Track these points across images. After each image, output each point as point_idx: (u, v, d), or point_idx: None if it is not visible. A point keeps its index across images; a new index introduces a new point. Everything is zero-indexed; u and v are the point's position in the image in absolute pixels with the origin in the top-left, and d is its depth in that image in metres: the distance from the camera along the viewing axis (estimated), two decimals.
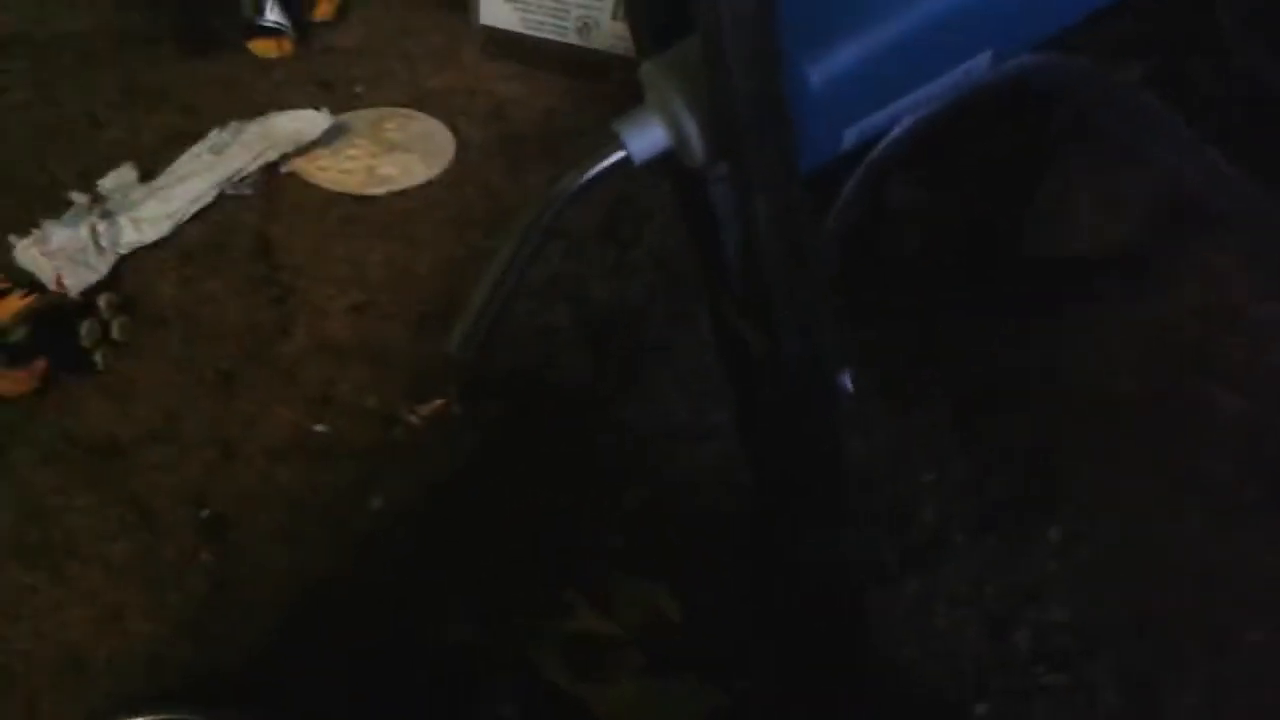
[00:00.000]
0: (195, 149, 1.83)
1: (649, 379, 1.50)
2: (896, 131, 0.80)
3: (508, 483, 1.39)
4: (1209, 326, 1.56)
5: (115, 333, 1.57)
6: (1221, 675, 1.18)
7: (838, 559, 1.14)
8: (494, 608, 1.23)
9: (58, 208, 1.73)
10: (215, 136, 1.84)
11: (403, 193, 1.78)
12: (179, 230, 1.73)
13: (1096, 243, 1.68)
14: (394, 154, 1.84)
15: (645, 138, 0.74)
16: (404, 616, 1.25)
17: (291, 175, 1.82)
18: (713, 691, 1.17)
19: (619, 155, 0.74)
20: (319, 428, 1.46)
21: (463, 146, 1.86)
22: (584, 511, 1.36)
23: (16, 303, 1.55)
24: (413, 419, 1.45)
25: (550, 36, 1.96)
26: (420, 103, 1.96)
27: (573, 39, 1.95)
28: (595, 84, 1.92)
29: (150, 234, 1.71)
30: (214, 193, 1.77)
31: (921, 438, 1.42)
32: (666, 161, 0.78)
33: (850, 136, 0.77)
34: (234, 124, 1.85)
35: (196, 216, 1.76)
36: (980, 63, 0.76)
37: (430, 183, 1.79)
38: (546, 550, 1.32)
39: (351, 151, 1.85)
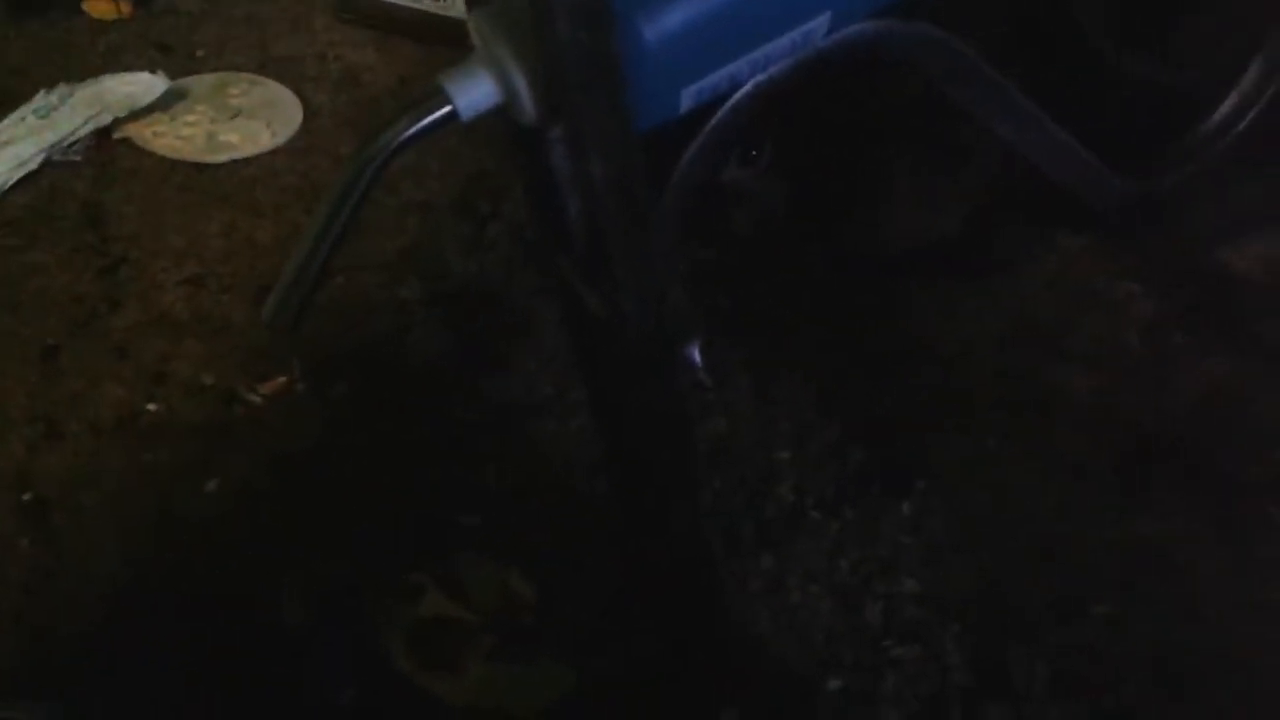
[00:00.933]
0: (20, 112, 1.71)
1: (510, 355, 1.46)
2: (738, 96, 0.78)
3: (355, 462, 1.33)
4: (1064, 305, 1.59)
5: None
6: (1069, 646, 1.20)
7: (691, 532, 1.12)
8: (335, 591, 1.18)
9: None
10: (42, 99, 1.73)
11: (245, 161, 1.70)
12: (1, 198, 1.62)
13: (950, 221, 1.70)
14: (237, 120, 1.75)
15: (473, 92, 0.70)
16: (237, 601, 1.18)
17: (125, 142, 1.72)
18: (567, 673, 1.14)
19: (444, 110, 0.70)
20: (151, 406, 1.38)
21: (311, 114, 1.78)
22: (437, 491, 1.31)
23: None
24: (253, 397, 1.38)
25: (405, 2, 1.90)
26: (267, 68, 1.87)
27: (428, 5, 1.89)
28: (451, 51, 1.86)
29: None
30: (40, 158, 1.67)
31: (781, 414, 1.41)
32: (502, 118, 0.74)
33: (688, 97, 0.74)
34: (63, 87, 1.75)
35: (20, 184, 1.65)
36: (818, 26, 0.74)
37: (275, 151, 1.71)
38: (396, 532, 1.26)
39: (190, 118, 1.76)
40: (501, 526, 1.26)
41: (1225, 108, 1.19)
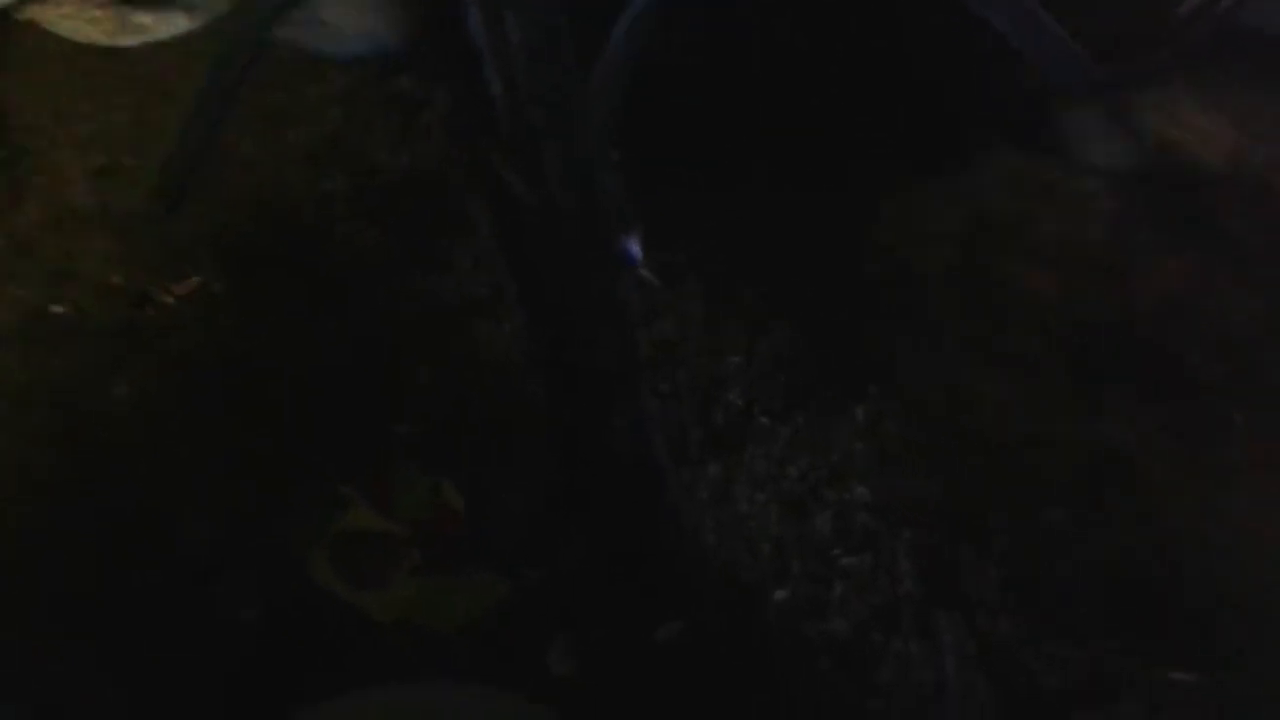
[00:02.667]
0: None
1: (443, 253, 1.37)
2: None
3: (276, 369, 1.25)
4: (1024, 201, 1.53)
5: None
6: (1020, 551, 1.16)
7: (633, 437, 1.06)
8: (248, 503, 1.11)
9: None
10: None
11: (159, 45, 1.58)
12: None
13: (915, 115, 1.63)
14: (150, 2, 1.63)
15: None
16: (145, 511, 1.11)
17: (28, 24, 1.59)
18: (499, 583, 1.09)
19: None
20: (56, 308, 1.29)
21: None
22: (366, 398, 1.24)
23: None
24: (166, 297, 1.29)
25: None
26: None
27: None
28: None
29: None
30: None
31: (733, 317, 1.34)
32: None
33: None
34: None
35: None
36: None
37: (192, 34, 1.59)
38: (320, 441, 1.19)
39: None
40: (434, 434, 1.19)
41: None
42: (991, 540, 1.16)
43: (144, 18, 1.61)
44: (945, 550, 1.15)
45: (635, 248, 0.84)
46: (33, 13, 1.61)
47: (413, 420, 1.22)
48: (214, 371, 1.24)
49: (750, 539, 1.15)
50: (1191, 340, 1.36)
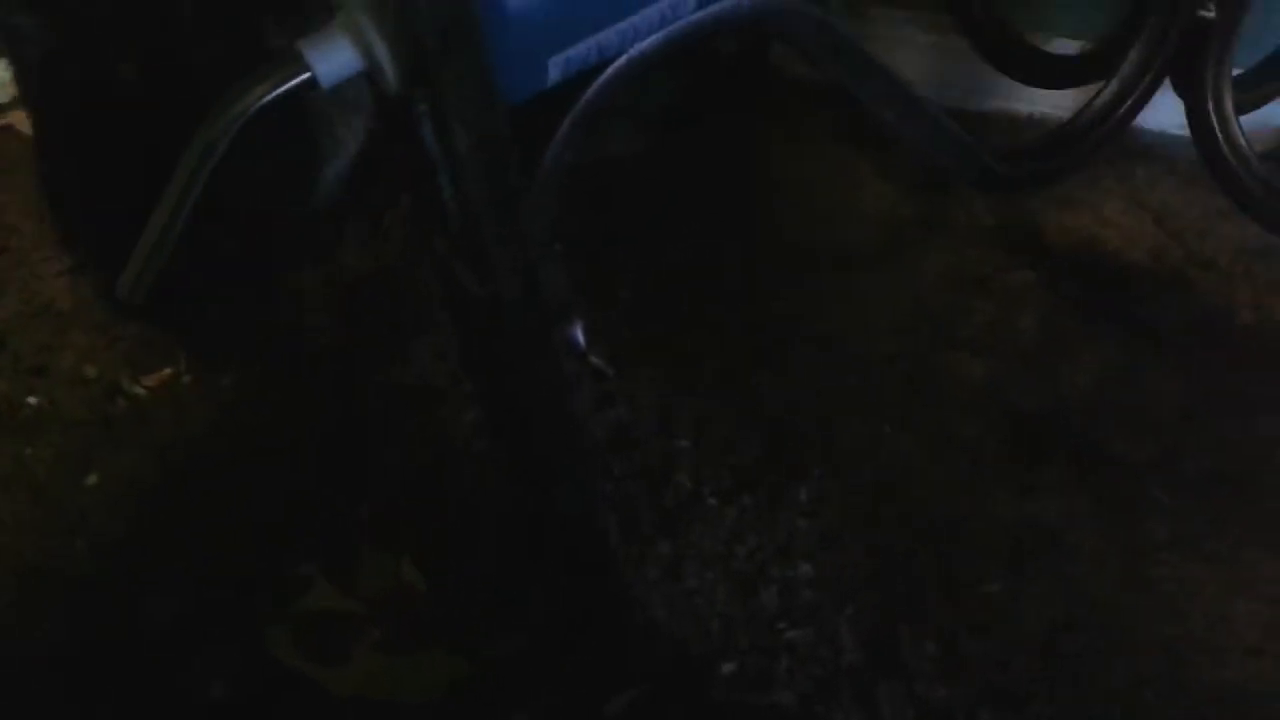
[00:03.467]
0: None
1: (405, 346, 1.44)
2: (611, 69, 0.77)
3: (244, 454, 1.30)
4: (959, 293, 1.62)
5: None
6: (959, 626, 1.21)
7: (585, 518, 1.11)
8: (216, 585, 1.15)
9: None
10: None
11: None
12: None
13: (847, 214, 1.72)
14: None
15: (333, 59, 0.69)
16: (111, 597, 1.15)
17: (6, 129, 1.67)
18: (456, 662, 1.13)
19: (303, 77, 0.68)
20: (32, 399, 1.34)
21: None
22: (329, 483, 1.29)
23: None
24: (138, 389, 1.35)
25: None
26: None
27: None
28: None
29: None
30: None
31: (681, 402, 1.41)
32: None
33: (556, 68, 0.73)
34: None
35: None
36: None
37: None
38: (285, 525, 1.24)
39: None
40: (394, 517, 1.24)
41: (1106, 94, 1.22)
42: (929, 613, 1.21)
43: None
44: (885, 623, 1.20)
45: (579, 334, 0.90)
46: (12, 118, 1.68)
47: (374, 502, 1.26)
48: (181, 459, 1.29)
49: (699, 614, 1.19)
50: (1117, 424, 1.44)
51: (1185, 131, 1.79)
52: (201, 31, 1.20)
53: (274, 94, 0.68)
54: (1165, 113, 1.77)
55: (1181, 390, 1.49)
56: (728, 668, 1.16)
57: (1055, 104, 1.77)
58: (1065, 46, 1.67)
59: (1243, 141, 1.20)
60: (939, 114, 0.94)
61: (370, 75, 0.70)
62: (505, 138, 0.71)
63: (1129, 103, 1.19)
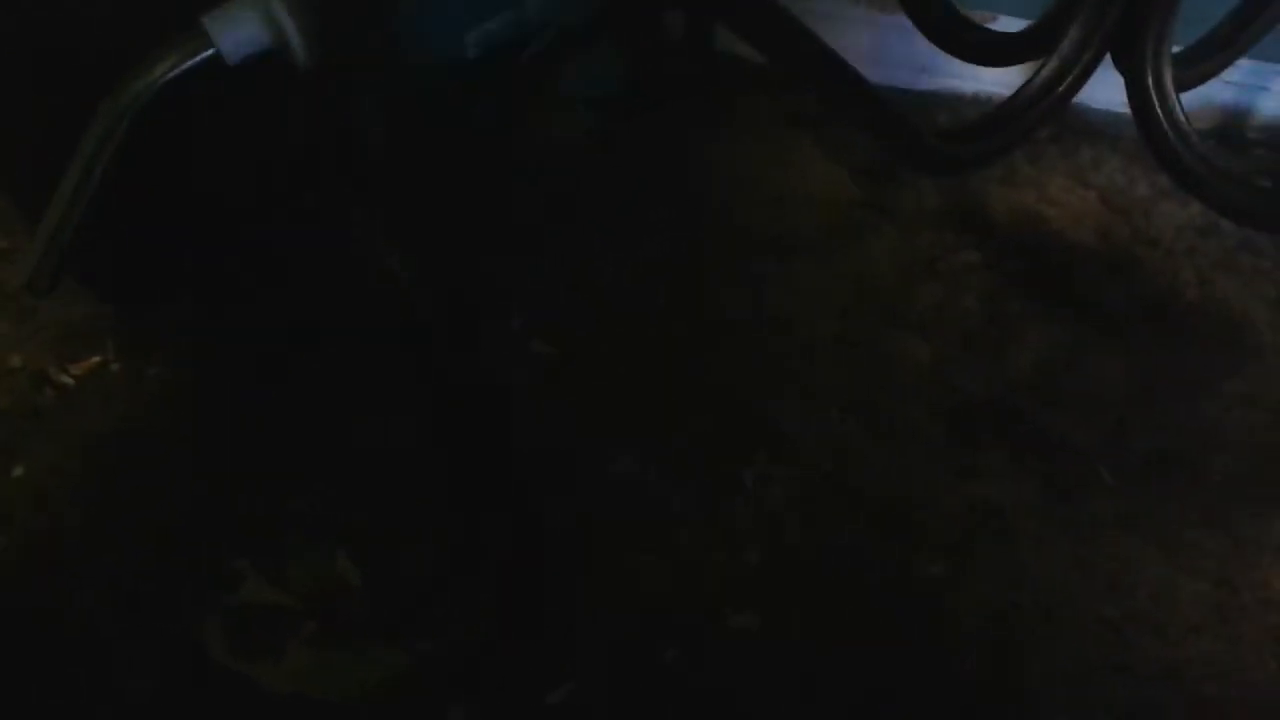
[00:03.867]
0: None
1: (339, 335, 1.40)
2: (535, 45, 0.75)
3: (173, 445, 1.27)
4: (904, 274, 1.61)
5: None
6: (904, 607, 1.21)
7: (519, 507, 1.09)
8: (145, 577, 1.12)
9: None
10: None
11: None
12: None
13: (789, 197, 1.71)
14: None
15: (238, 35, 0.66)
16: (40, 590, 1.11)
17: None
18: (393, 656, 1.10)
19: (206, 53, 0.65)
20: None
21: None
22: (261, 475, 1.25)
23: None
24: (64, 378, 1.31)
25: None
26: None
27: None
28: None
29: None
30: None
31: (621, 386, 1.39)
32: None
33: (474, 42, 0.70)
34: None
35: None
36: None
37: None
38: (216, 518, 1.21)
39: None
40: (328, 510, 1.21)
41: (1047, 70, 1.21)
42: (873, 595, 1.20)
43: None
44: (827, 607, 1.19)
45: (519, 323, 0.88)
46: None
47: (308, 496, 1.23)
48: (110, 450, 1.25)
49: (642, 602, 1.18)
50: (1063, 405, 1.44)
51: (1130, 110, 1.81)
52: None
53: (177, 72, 0.65)
54: (1111, 91, 1.77)
55: (1127, 370, 1.50)
56: (670, 654, 1.14)
57: (999, 82, 1.76)
58: (1009, 24, 1.67)
59: (1182, 118, 1.19)
60: (882, 96, 0.92)
61: (277, 51, 0.67)
62: (419, 113, 0.69)
63: (1069, 79, 1.18)
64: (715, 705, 1.11)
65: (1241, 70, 1.79)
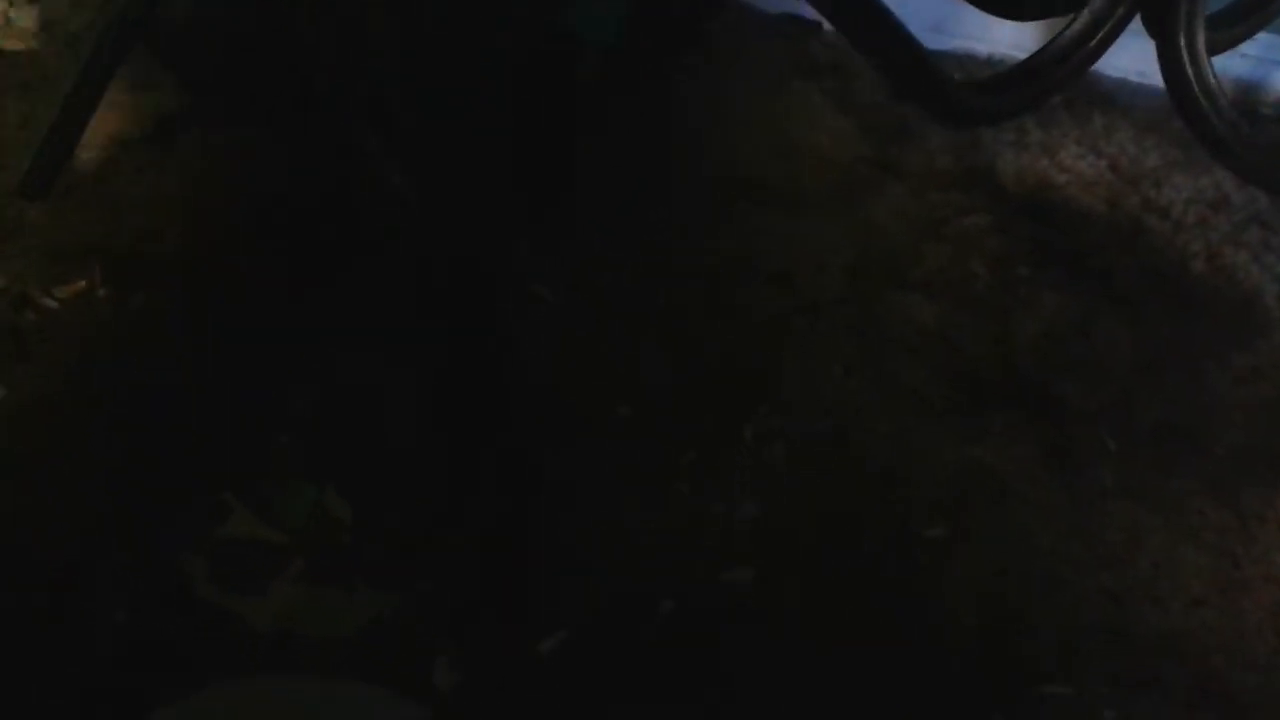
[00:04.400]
0: None
1: (333, 274, 1.36)
2: None
3: (160, 376, 1.23)
4: (912, 235, 1.58)
5: None
6: (901, 569, 1.19)
7: (517, 452, 1.06)
8: (126, 508, 1.08)
9: None
10: None
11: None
12: None
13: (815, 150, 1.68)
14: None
15: None
16: (17, 517, 1.08)
17: None
18: (384, 595, 1.07)
19: None
20: None
21: None
22: (250, 409, 1.22)
23: None
24: (48, 301, 1.26)
25: None
26: None
27: None
28: None
29: None
30: None
31: (623, 334, 1.36)
32: None
33: None
34: None
35: None
36: None
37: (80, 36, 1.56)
38: (202, 450, 1.17)
39: None
40: (319, 445, 1.18)
41: (1077, 25, 1.17)
42: (872, 557, 1.18)
43: (29, 22, 1.58)
44: (829, 567, 1.17)
45: (521, 265, 0.84)
46: None
47: (297, 430, 1.20)
48: (94, 376, 1.21)
49: (638, 552, 1.15)
50: (1067, 371, 1.42)
51: (1145, 79, 1.78)
52: None
53: None
54: (1126, 59, 1.74)
55: (1132, 339, 1.48)
56: (666, 606, 1.12)
57: (1014, 44, 1.73)
58: None
59: (1213, 82, 1.16)
60: (914, 39, 0.89)
61: None
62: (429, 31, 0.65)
63: (1100, 35, 1.15)
64: (706, 658, 1.09)
65: (1258, 44, 1.77)
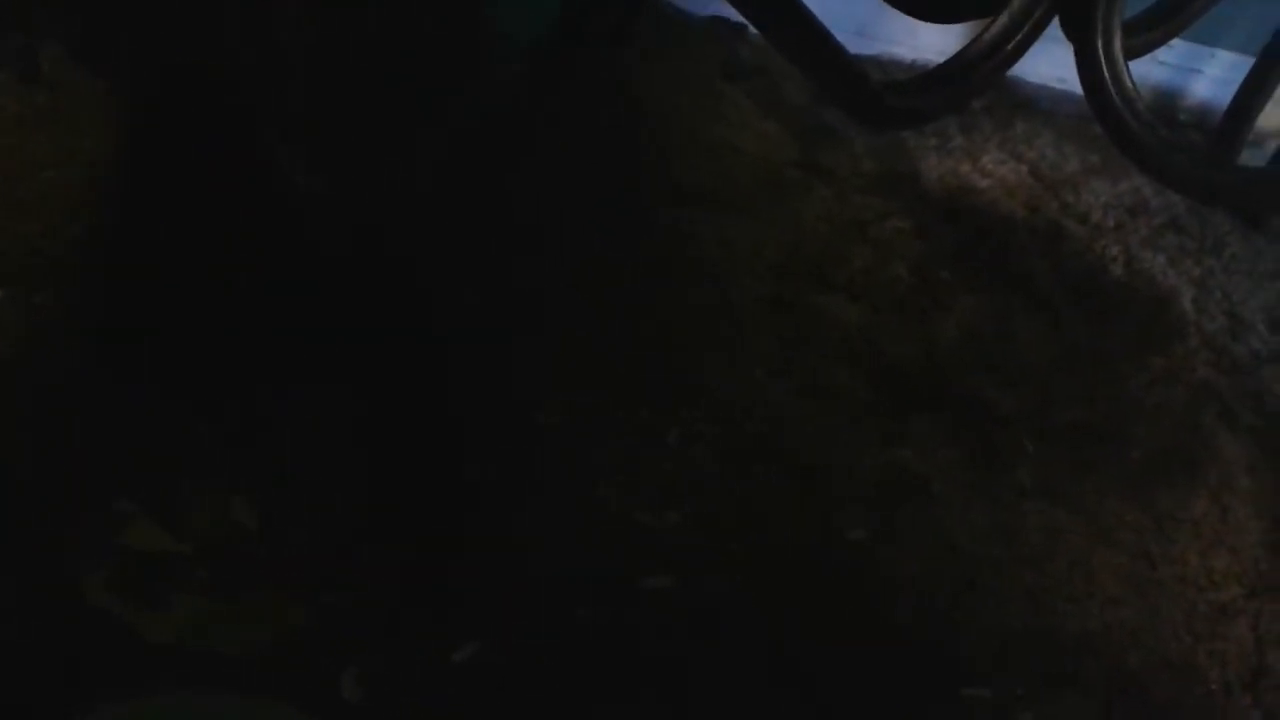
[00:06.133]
0: None
1: (256, 275, 1.32)
2: None
3: (60, 378, 1.18)
4: (836, 238, 1.58)
5: None
6: (825, 572, 1.18)
7: (440, 464, 1.04)
8: (21, 516, 1.03)
9: None
10: None
11: None
12: None
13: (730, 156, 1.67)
14: None
15: None
16: None
17: None
18: (291, 608, 1.04)
19: None
20: None
21: None
22: (152, 413, 1.17)
23: None
24: None
25: None
26: None
27: None
28: None
29: None
30: None
31: (546, 335, 1.33)
32: None
33: None
34: None
35: None
36: None
37: None
38: (103, 455, 1.13)
39: None
40: (224, 449, 1.14)
41: (995, 27, 1.18)
42: (793, 555, 1.17)
43: None
44: (748, 569, 1.16)
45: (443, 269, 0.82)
46: None
47: (201, 436, 1.16)
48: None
49: (557, 560, 1.13)
50: (987, 373, 1.42)
51: (1065, 85, 1.80)
52: None
53: None
54: (1047, 65, 1.76)
55: (1051, 342, 1.49)
56: (583, 614, 1.09)
57: (938, 49, 1.73)
58: None
59: (1130, 85, 1.17)
60: (835, 41, 0.88)
61: None
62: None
63: (1018, 38, 1.16)
64: (623, 666, 1.07)
65: (1175, 51, 1.80)
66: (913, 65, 1.83)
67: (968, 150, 1.72)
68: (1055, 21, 1.42)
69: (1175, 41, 1.64)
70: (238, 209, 1.34)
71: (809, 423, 1.32)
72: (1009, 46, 1.18)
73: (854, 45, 1.79)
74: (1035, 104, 1.81)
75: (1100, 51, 1.16)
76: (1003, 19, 1.17)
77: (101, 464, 1.10)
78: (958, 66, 1.20)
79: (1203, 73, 1.84)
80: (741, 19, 1.85)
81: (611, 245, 1.47)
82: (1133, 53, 1.22)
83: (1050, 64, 1.73)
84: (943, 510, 1.25)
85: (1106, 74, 1.18)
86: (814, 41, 0.92)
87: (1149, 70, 1.74)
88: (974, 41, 1.21)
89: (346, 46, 0.72)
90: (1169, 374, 1.45)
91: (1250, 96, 1.50)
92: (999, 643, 1.14)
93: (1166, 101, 1.86)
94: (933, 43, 1.77)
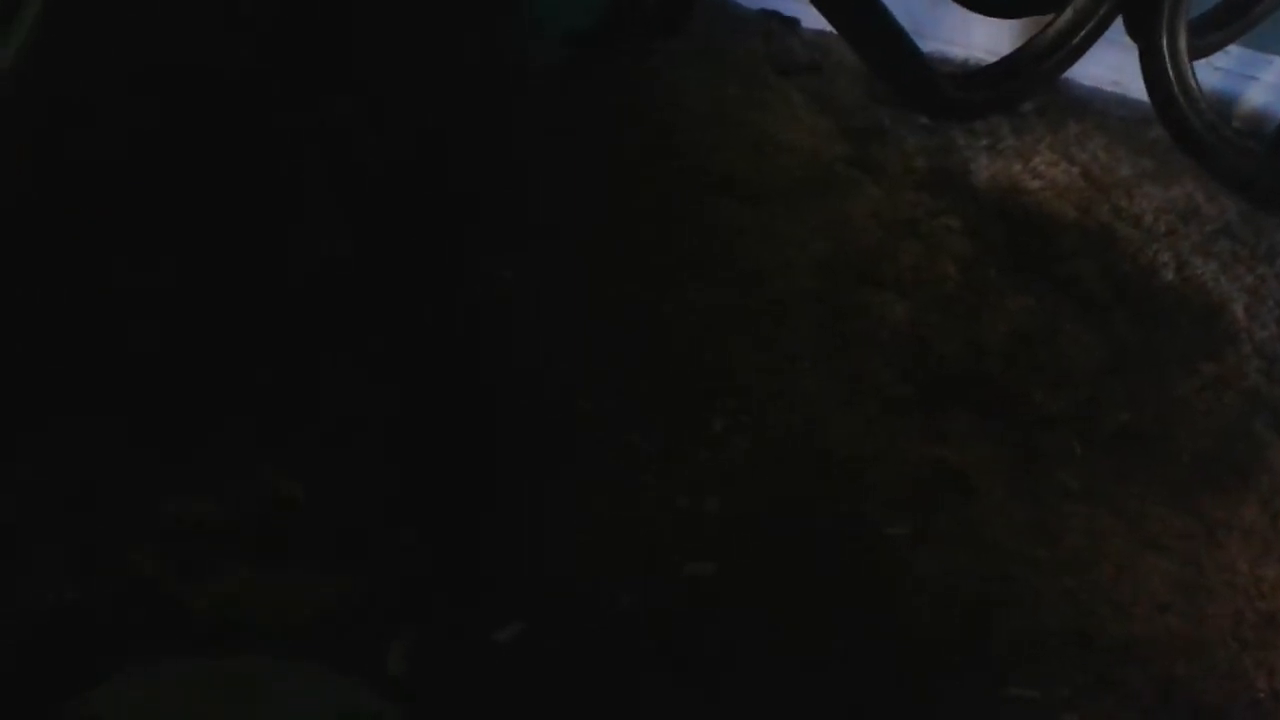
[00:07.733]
0: None
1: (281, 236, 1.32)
2: None
3: (103, 349, 1.19)
4: (883, 234, 1.57)
5: None
6: (863, 566, 1.17)
7: (484, 443, 1.04)
8: (72, 485, 1.04)
9: None
10: None
11: None
12: None
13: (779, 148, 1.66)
14: None
15: None
16: None
17: None
18: (337, 580, 1.04)
19: None
20: None
21: None
22: (199, 384, 1.18)
23: None
24: None
25: None
26: None
27: None
28: None
29: None
30: None
31: (590, 324, 1.34)
32: None
33: None
34: None
35: None
36: None
37: None
38: (150, 427, 1.13)
39: None
40: (274, 424, 1.15)
41: (1060, 23, 1.16)
42: (833, 550, 1.17)
43: None
44: (787, 558, 1.15)
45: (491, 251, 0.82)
46: None
47: (252, 409, 1.17)
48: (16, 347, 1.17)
49: (600, 545, 1.13)
50: (1034, 374, 1.41)
51: (1119, 89, 1.78)
52: None
53: None
54: (1101, 69, 1.75)
55: (1100, 345, 1.47)
56: (625, 600, 1.09)
57: (990, 49, 1.72)
58: None
59: (1194, 84, 1.16)
60: (902, 30, 0.88)
61: None
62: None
63: (1082, 33, 1.14)
64: (663, 651, 1.06)
65: (1231, 58, 1.78)
66: (965, 63, 1.82)
67: (1019, 151, 1.70)
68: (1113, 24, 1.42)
69: (1232, 48, 1.62)
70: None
71: (852, 417, 1.31)
72: (1073, 42, 1.16)
73: None
74: (1088, 106, 1.79)
75: (1165, 49, 1.15)
76: (1067, 15, 1.16)
77: (150, 438, 1.11)
78: (1019, 61, 1.19)
79: (1259, 79, 1.81)
80: (794, 13, 1.85)
81: (655, 238, 1.47)
82: (1196, 54, 1.21)
83: (1104, 67, 1.71)
84: (984, 509, 1.23)
85: (1171, 72, 1.16)
86: (882, 30, 0.91)
87: (1204, 77, 1.72)
88: (1039, 35, 1.20)
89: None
90: (1219, 380, 1.43)
91: None
92: (1039, 644, 1.13)
93: (1222, 108, 1.84)
94: (985, 41, 1.76)
